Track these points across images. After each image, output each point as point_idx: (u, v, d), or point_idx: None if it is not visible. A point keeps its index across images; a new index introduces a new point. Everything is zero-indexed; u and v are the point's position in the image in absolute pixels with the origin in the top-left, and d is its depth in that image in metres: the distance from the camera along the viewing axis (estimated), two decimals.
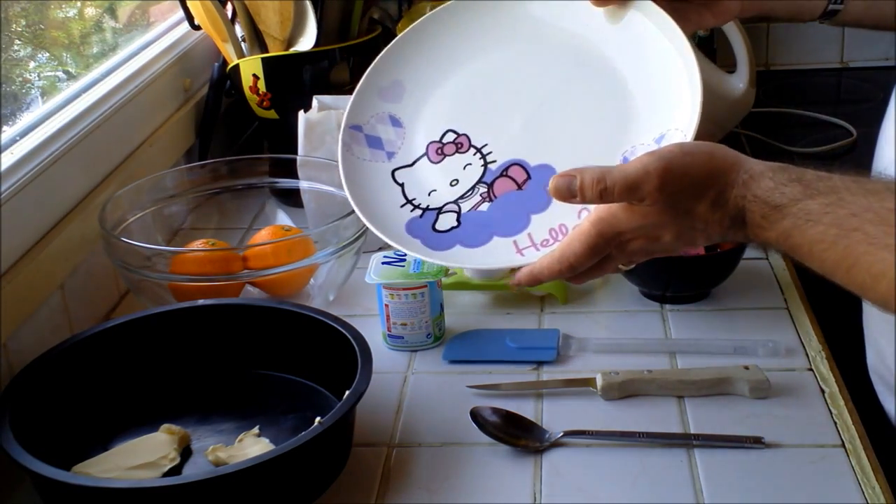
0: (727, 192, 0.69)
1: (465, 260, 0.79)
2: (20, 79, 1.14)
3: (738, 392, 0.92)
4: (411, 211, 0.82)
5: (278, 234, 1.13)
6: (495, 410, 0.90)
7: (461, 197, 0.82)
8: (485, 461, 0.86)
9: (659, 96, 0.79)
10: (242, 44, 1.37)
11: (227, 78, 1.39)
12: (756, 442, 0.86)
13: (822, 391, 0.93)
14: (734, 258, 1.08)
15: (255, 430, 0.88)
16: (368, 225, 0.80)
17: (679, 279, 1.07)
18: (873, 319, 0.98)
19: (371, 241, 1.15)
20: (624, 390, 0.93)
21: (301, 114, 1.21)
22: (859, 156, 1.51)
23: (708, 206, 0.70)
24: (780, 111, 1.71)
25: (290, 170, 1.22)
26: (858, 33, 1.81)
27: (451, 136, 0.85)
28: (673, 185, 0.69)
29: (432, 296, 1.02)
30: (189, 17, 1.37)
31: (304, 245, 1.06)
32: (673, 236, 0.72)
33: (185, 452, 0.88)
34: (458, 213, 0.81)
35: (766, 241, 0.70)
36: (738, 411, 0.91)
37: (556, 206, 0.76)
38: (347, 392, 0.83)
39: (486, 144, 0.84)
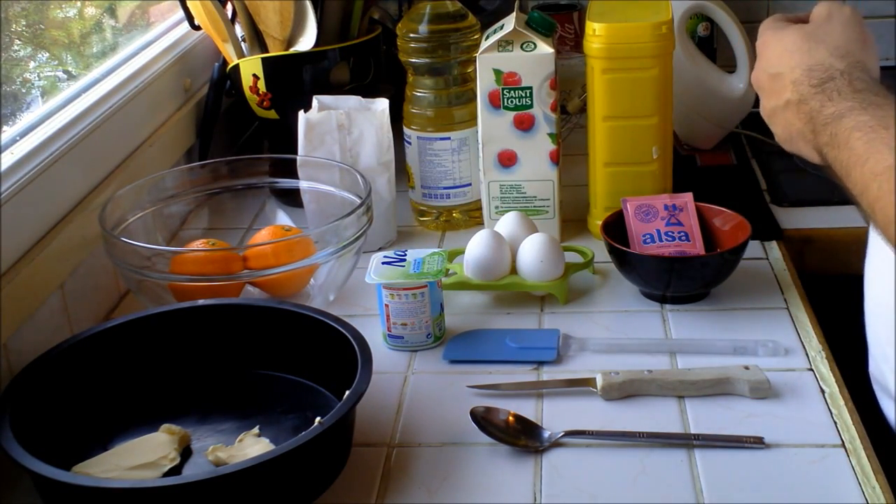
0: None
1: None
2: (20, 79, 1.14)
3: (738, 392, 0.92)
4: None
5: (278, 234, 1.13)
6: (495, 410, 0.90)
7: None
8: (485, 461, 0.86)
9: None
10: (242, 44, 1.37)
11: (227, 78, 1.39)
12: (756, 442, 0.86)
13: (822, 391, 0.93)
14: (734, 258, 1.08)
15: (255, 430, 0.88)
16: None
17: (679, 279, 1.07)
18: (879, 325, 0.98)
19: (371, 241, 1.15)
20: (624, 390, 0.93)
21: (301, 114, 1.21)
22: None
23: None
24: None
25: (290, 170, 1.22)
26: None
27: None
28: None
29: (432, 296, 1.02)
30: (189, 17, 1.37)
31: (304, 245, 1.06)
32: None
33: (185, 452, 0.88)
34: None
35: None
36: (738, 411, 0.91)
37: None
38: (347, 392, 0.83)
39: None
